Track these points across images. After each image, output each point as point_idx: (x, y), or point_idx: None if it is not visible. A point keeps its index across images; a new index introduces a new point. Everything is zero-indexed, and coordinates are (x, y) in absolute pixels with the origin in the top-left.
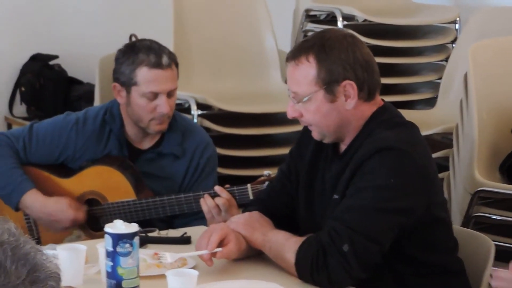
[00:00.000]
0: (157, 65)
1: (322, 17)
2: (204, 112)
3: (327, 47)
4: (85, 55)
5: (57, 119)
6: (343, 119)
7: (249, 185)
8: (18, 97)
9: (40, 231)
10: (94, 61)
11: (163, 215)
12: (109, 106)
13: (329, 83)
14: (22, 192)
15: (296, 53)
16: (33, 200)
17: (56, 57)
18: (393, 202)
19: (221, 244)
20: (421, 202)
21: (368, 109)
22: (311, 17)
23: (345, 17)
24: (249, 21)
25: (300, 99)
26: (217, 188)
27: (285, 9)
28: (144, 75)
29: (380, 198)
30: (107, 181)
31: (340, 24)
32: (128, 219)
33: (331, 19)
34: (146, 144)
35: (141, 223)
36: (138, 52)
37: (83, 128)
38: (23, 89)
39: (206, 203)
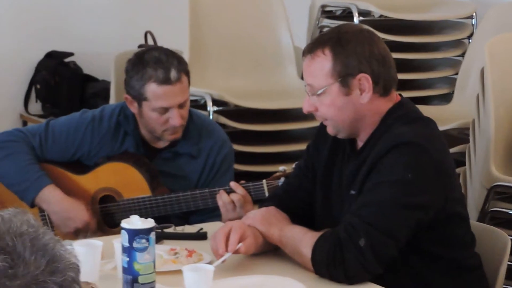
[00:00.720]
0: (165, 81)
1: (338, 12)
2: (220, 108)
3: (344, 41)
4: (101, 53)
5: (74, 117)
6: (358, 113)
7: (264, 181)
8: (33, 94)
9: (56, 228)
10: (110, 59)
11: (179, 212)
12: (124, 106)
13: (344, 76)
14: (39, 187)
15: (313, 47)
16: (52, 194)
17: (71, 54)
18: (410, 197)
19: (239, 240)
20: (439, 197)
21: (384, 105)
22: (327, 13)
23: (361, 13)
24: (265, 17)
25: (315, 92)
26: (233, 184)
27: (301, 5)
28: (153, 91)
29: (397, 193)
30: (123, 178)
31: (356, 19)
32: (143, 216)
33: (347, 14)
34: (162, 144)
35: (157, 219)
36: (146, 66)
37: (99, 126)
38: (38, 86)
39: (221, 199)
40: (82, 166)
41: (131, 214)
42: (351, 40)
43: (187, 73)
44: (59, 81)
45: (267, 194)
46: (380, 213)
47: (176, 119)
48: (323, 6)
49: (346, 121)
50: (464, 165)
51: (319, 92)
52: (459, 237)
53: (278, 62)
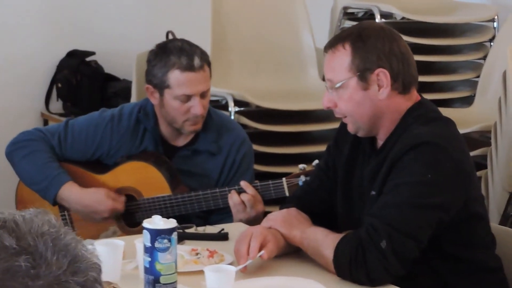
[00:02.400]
0: (189, 67)
1: (360, 14)
2: (242, 109)
3: (364, 36)
4: (122, 52)
5: (93, 116)
6: (376, 109)
7: (284, 179)
8: (54, 93)
9: (76, 228)
10: (131, 58)
11: (198, 210)
12: (143, 104)
13: (362, 71)
14: (59, 185)
15: (334, 42)
16: (70, 192)
17: (93, 53)
18: (430, 197)
19: (260, 246)
20: (458, 197)
21: (403, 103)
22: (348, 15)
23: (383, 15)
24: (287, 19)
25: (333, 85)
26: (243, 184)
27: (323, 6)
28: (176, 78)
29: (417, 194)
30: (143, 177)
31: (378, 21)
32: (163, 215)
33: (368, 16)
34: (181, 142)
35: (178, 219)
36: (169, 54)
37: (118, 125)
38: (59, 85)
39: (232, 199)
40: (101, 165)
41: (151, 214)
42: (371, 36)
43: (209, 64)
44: (80, 80)
45: (287, 193)
46: (401, 214)
47: (198, 107)
48: (345, 8)
49: (364, 117)
50: (486, 168)
51: (337, 85)
52: (479, 238)
53: (300, 64)
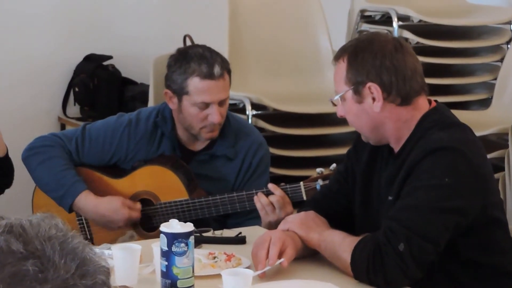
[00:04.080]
0: (209, 75)
1: (377, 17)
2: (259, 112)
3: (358, 50)
4: (139, 56)
5: (110, 120)
6: (375, 121)
7: (301, 183)
8: (71, 97)
9: (93, 232)
10: (148, 62)
11: (216, 214)
12: (161, 108)
13: (355, 84)
14: (74, 195)
15: (337, 54)
16: (85, 202)
17: (110, 57)
18: (448, 201)
19: (279, 252)
20: (477, 202)
21: (407, 113)
22: (366, 18)
23: (400, 18)
24: (304, 22)
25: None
26: (271, 186)
27: (340, 9)
28: (195, 85)
29: (435, 198)
30: (160, 181)
31: (395, 24)
32: (180, 219)
33: (386, 19)
34: (199, 146)
35: (195, 223)
36: (190, 60)
37: (136, 129)
38: (76, 89)
39: (260, 201)
40: (119, 170)
41: (169, 218)
42: (366, 50)
43: (229, 72)
44: (97, 84)
45: (304, 196)
46: (419, 217)
47: (215, 115)
48: (362, 11)
49: (364, 128)
50: (503, 170)
51: (336, 97)
52: (497, 242)
53: (317, 67)
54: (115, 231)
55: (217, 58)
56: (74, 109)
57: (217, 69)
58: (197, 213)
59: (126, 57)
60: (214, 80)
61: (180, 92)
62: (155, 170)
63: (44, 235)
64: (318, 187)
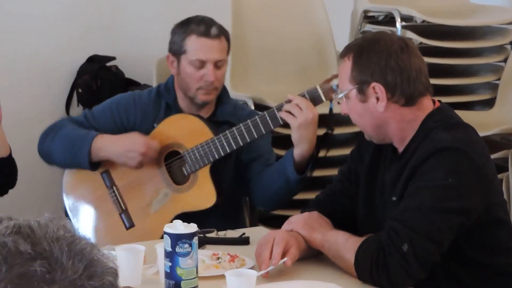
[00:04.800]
0: (205, 34)
1: (381, 18)
2: None
3: (364, 49)
4: (143, 57)
5: (112, 98)
6: (378, 121)
7: (317, 85)
8: (75, 98)
9: (126, 202)
10: (152, 63)
11: (243, 143)
12: (162, 83)
13: (359, 83)
14: (90, 140)
15: (343, 52)
16: (104, 139)
17: (113, 58)
18: (451, 201)
19: (283, 252)
20: (480, 202)
21: (410, 113)
22: (369, 18)
23: (404, 18)
24: (307, 22)
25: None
26: (289, 96)
27: (343, 10)
28: (192, 43)
29: (438, 198)
30: (182, 128)
31: (398, 25)
32: (210, 160)
33: (389, 20)
34: (202, 114)
35: (199, 222)
36: (190, 23)
37: (140, 99)
38: (80, 90)
39: (285, 107)
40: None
41: (198, 163)
42: (371, 50)
43: (228, 40)
44: (101, 85)
45: (323, 97)
46: (422, 217)
47: (210, 75)
48: (365, 12)
49: (368, 127)
50: (507, 170)
51: (340, 95)
52: (501, 243)
53: (320, 67)
54: (148, 193)
55: (216, 23)
56: (77, 110)
57: (214, 30)
58: (225, 148)
59: (129, 58)
60: (210, 38)
61: (178, 52)
62: (175, 119)
63: (52, 236)
64: (334, 87)
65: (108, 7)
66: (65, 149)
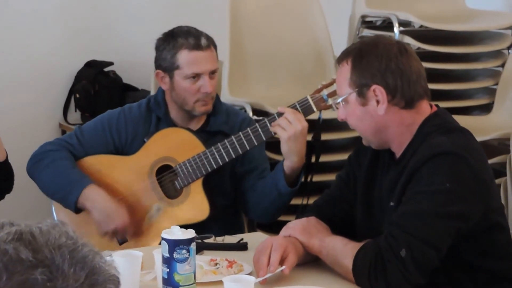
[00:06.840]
0: (197, 46)
1: (378, 23)
2: (260, 118)
3: (363, 52)
4: (141, 62)
5: (102, 115)
6: (378, 124)
7: (308, 96)
8: (72, 103)
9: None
10: (150, 68)
11: (236, 156)
12: (151, 96)
13: (360, 86)
14: (82, 186)
15: (341, 56)
16: (97, 192)
17: (111, 63)
18: (449, 206)
19: (281, 258)
20: (478, 207)
21: (410, 117)
22: (367, 23)
23: (401, 23)
24: (305, 27)
25: (337, 100)
26: (280, 108)
27: (341, 15)
28: (185, 57)
29: (436, 203)
30: (174, 142)
31: (396, 30)
32: (202, 172)
33: (387, 25)
34: (194, 126)
35: (197, 229)
36: (176, 37)
37: (130, 114)
38: (77, 95)
39: (276, 124)
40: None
41: (191, 176)
42: (371, 53)
43: (215, 47)
44: (98, 90)
45: (314, 108)
46: (420, 223)
47: (207, 85)
48: (363, 17)
49: (367, 131)
50: (505, 175)
51: (339, 100)
52: (499, 247)
53: (319, 72)
54: (140, 209)
55: (202, 33)
56: (75, 115)
57: (203, 41)
58: (217, 161)
59: (127, 64)
60: (202, 50)
61: (171, 68)
62: (166, 133)
63: (54, 243)
64: (325, 97)
65: (106, 13)
66: (54, 185)
